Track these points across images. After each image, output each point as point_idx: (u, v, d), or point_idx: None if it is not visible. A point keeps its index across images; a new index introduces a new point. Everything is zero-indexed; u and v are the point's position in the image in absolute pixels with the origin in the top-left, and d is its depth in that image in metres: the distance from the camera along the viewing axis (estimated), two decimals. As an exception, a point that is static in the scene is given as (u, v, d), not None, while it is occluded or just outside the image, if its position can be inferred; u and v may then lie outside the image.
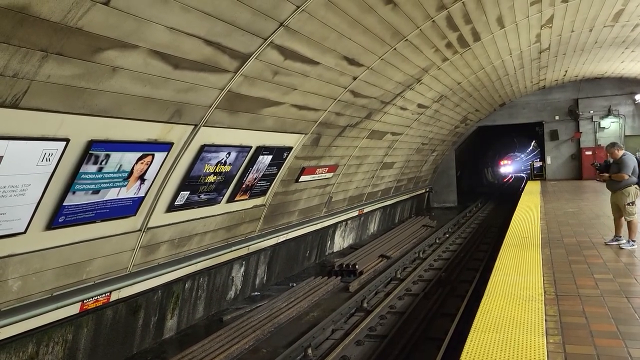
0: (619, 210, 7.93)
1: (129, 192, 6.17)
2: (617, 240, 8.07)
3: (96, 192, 5.62)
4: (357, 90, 9.86)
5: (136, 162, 5.94)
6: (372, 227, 18.83)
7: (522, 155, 71.58)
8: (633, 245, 7.76)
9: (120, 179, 5.89)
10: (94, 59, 4.55)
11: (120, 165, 5.74)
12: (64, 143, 4.87)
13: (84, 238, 5.89)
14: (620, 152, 8.04)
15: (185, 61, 5.49)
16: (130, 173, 5.97)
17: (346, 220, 15.66)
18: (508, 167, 72.66)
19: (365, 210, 17.00)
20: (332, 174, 12.43)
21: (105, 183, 5.69)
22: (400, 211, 22.40)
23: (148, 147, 6.00)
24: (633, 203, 7.82)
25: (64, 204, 5.31)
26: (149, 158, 6.10)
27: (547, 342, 3.95)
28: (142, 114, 5.62)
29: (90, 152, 5.21)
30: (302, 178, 10.84)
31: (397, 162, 17.76)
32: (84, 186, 5.41)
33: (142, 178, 6.23)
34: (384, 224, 19.95)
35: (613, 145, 8.13)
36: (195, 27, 5.16)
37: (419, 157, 20.37)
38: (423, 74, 11.78)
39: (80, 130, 5.01)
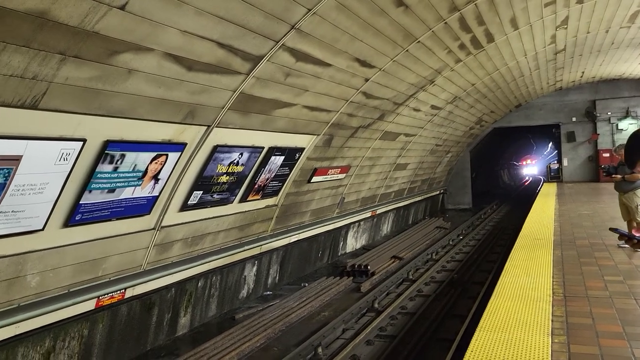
0: (629, 213, 7.88)
1: (144, 191, 6.31)
2: (630, 242, 8.01)
3: (112, 190, 5.77)
4: (369, 91, 9.92)
5: (150, 162, 6.07)
6: (385, 228, 18.85)
7: (543, 155, 64.62)
8: (646, 247, 7.69)
9: (135, 178, 6.03)
10: (110, 61, 4.69)
11: (135, 165, 5.88)
12: (81, 143, 5.01)
13: (99, 236, 6.04)
14: (632, 154, 7.98)
15: (198, 63, 5.61)
16: (145, 172, 6.11)
17: (359, 221, 15.72)
18: (531, 167, 65.79)
19: (378, 212, 17.04)
20: (344, 174, 12.50)
21: (120, 182, 5.83)
22: (414, 212, 22.38)
23: (162, 148, 6.14)
24: (645, 204, 7.81)
25: (80, 202, 5.46)
26: (162, 158, 6.23)
27: (552, 342, 3.98)
28: (156, 115, 5.76)
29: (106, 151, 5.35)
30: (315, 179, 10.93)
31: (410, 164, 17.76)
32: (100, 185, 5.56)
33: (156, 177, 6.37)
34: (397, 225, 19.96)
35: (623, 146, 8.07)
36: (208, 30, 5.27)
37: (433, 158, 20.34)
38: (436, 75, 11.80)
39: (97, 130, 5.15)
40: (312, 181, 10.92)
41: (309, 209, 11.71)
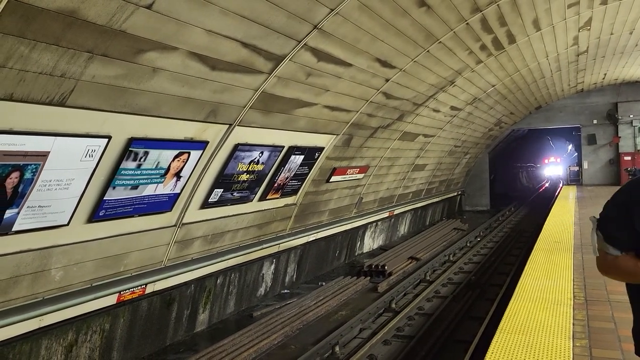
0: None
1: (166, 188, 6.39)
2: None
3: (135, 187, 5.86)
4: (389, 92, 9.91)
5: (173, 160, 6.15)
6: (403, 228, 18.80)
7: (568, 153, 53.46)
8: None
9: (158, 176, 6.11)
10: (136, 60, 4.76)
11: (158, 162, 5.96)
12: (106, 140, 5.10)
13: (122, 232, 6.13)
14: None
15: (222, 62, 5.67)
16: (167, 170, 6.19)
17: (376, 221, 15.71)
18: (554, 167, 55.49)
19: (395, 212, 17.00)
20: (363, 174, 12.50)
21: (143, 179, 5.92)
22: (432, 214, 22.28)
23: (184, 145, 6.21)
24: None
25: (104, 198, 5.55)
26: (185, 156, 6.31)
27: (573, 346, 3.96)
28: (179, 113, 5.83)
29: (130, 149, 5.44)
30: (333, 178, 10.95)
31: (428, 165, 17.69)
32: (123, 182, 5.64)
33: (178, 175, 6.44)
34: (414, 226, 19.89)
35: (650, 150, 7.99)
36: (232, 30, 5.33)
37: (451, 159, 20.23)
38: (456, 76, 11.74)
39: (122, 128, 5.24)
40: (330, 181, 10.94)
41: (327, 208, 11.74)
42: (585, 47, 14.31)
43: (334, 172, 10.80)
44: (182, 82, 5.45)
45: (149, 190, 6.14)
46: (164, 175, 6.21)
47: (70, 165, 4.90)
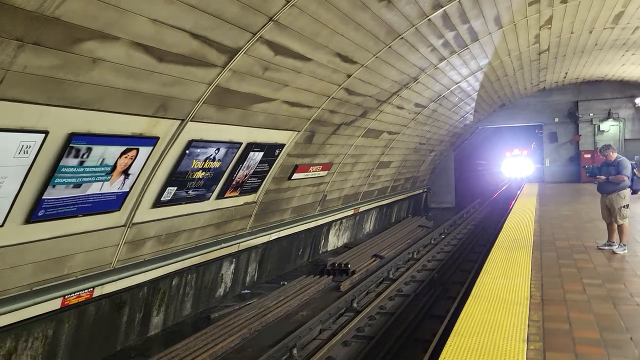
0: (610, 215, 7.82)
1: (113, 186, 6.07)
2: (610, 245, 7.96)
3: (77, 186, 5.53)
4: (351, 88, 9.75)
5: (120, 156, 5.84)
6: (368, 226, 18.74)
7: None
8: (625, 249, 7.66)
9: (103, 173, 5.79)
10: (73, 49, 4.45)
11: (103, 159, 5.65)
12: (43, 135, 4.78)
13: (65, 232, 5.80)
14: (615, 155, 7.94)
15: (170, 54, 5.39)
16: (114, 167, 5.87)
17: (341, 219, 15.57)
18: (520, 163, 39.99)
19: (360, 210, 16.90)
20: (326, 172, 12.33)
21: (87, 177, 5.59)
22: (397, 211, 22.30)
23: (132, 141, 5.91)
24: (628, 206, 7.73)
25: (43, 197, 5.22)
26: (133, 152, 6.00)
27: (527, 349, 3.86)
28: (125, 108, 5.53)
29: (70, 145, 5.11)
30: (295, 176, 10.74)
31: (394, 162, 17.65)
32: (64, 180, 5.31)
33: (126, 172, 6.13)
34: (380, 224, 19.85)
35: (608, 147, 8.03)
36: (180, 19, 5.05)
37: (416, 156, 20.25)
38: (420, 73, 11.66)
39: (60, 122, 4.91)
40: (292, 178, 10.73)
41: (289, 206, 11.53)
42: (546, 45, 14.45)
43: (296, 169, 10.59)
44: (127, 74, 5.15)
45: (94, 188, 5.81)
46: (110, 173, 5.89)
47: (1, 162, 4.56)
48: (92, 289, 6.62)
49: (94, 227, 6.21)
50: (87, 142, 5.31)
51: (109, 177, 5.91)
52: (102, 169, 5.73)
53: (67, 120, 4.97)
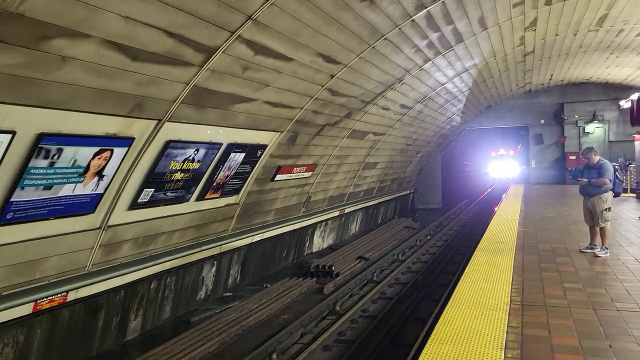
0: (592, 218, 7.79)
1: (86, 188, 5.91)
2: (592, 248, 7.94)
3: (48, 187, 5.37)
4: (335, 88, 9.65)
5: (93, 157, 5.69)
6: (354, 227, 18.65)
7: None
8: (607, 252, 7.63)
9: (76, 175, 5.63)
10: (41, 47, 4.31)
11: (75, 160, 5.49)
12: (10, 136, 4.62)
13: (36, 235, 5.63)
14: (597, 157, 7.92)
15: (144, 53, 5.25)
16: (87, 168, 5.72)
17: (326, 220, 15.46)
18: (506, 164, 39.37)
19: (346, 211, 16.81)
20: (310, 173, 12.21)
21: (58, 178, 5.43)
22: (384, 212, 22.24)
23: (106, 142, 5.75)
24: (610, 209, 7.71)
25: (11, 199, 5.06)
26: (107, 153, 5.85)
27: (504, 357, 3.78)
28: (98, 107, 5.38)
29: (40, 145, 4.96)
30: (278, 177, 10.62)
31: (380, 163, 17.58)
32: (34, 181, 5.15)
33: (100, 174, 5.98)
34: (366, 225, 19.77)
35: (590, 150, 8.00)
36: (154, 17, 4.92)
37: (403, 157, 20.20)
38: (405, 74, 11.59)
39: (29, 122, 4.76)
40: (276, 179, 10.61)
41: (273, 207, 11.40)
42: (531, 47, 14.46)
43: (279, 170, 10.47)
44: (98, 73, 5.01)
45: (67, 190, 5.65)
46: (83, 174, 5.73)
47: (-35, 163, 4.39)
48: (65, 293, 6.46)
49: (67, 229, 6.05)
50: (58, 142, 5.16)
51: (82, 179, 5.75)
52: (75, 170, 5.57)
53: (36, 120, 4.81)
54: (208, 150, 7.72)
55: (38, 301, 6.04)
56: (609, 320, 4.67)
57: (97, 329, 7.28)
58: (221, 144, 7.94)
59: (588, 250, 7.95)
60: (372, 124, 13.56)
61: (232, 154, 8.40)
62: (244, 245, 10.79)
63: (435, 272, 12.48)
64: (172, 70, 5.81)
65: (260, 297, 9.71)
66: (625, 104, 21.91)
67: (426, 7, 8.46)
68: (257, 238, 11.13)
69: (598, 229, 7.81)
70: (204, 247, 9.12)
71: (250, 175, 9.52)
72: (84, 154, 5.54)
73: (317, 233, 15.17)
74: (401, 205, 24.92)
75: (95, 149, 5.65)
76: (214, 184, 8.48)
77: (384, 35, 8.77)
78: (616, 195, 8.03)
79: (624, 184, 13.16)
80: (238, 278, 11.01)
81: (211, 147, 7.74)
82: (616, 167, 8.36)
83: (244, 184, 9.48)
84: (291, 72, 7.91)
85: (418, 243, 16.45)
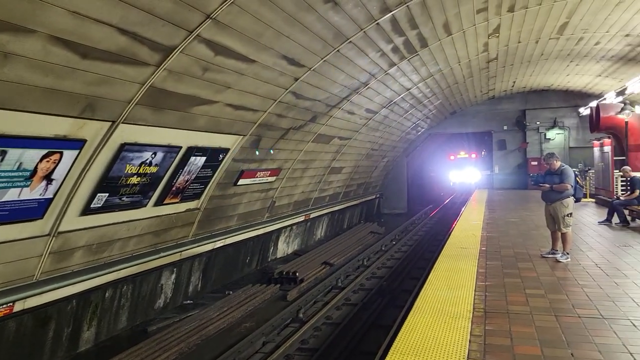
0: (554, 223, 7.85)
1: (33, 193, 5.59)
2: (554, 253, 7.99)
3: (-10, 192, 5.04)
4: (299, 92, 9.50)
5: (40, 160, 5.38)
6: (319, 232, 18.51)
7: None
8: (568, 258, 7.69)
9: (22, 179, 5.32)
10: (-21, 42, 4.02)
11: (21, 163, 5.18)
12: (-55, 136, 4.30)
13: (-23, 243, 5.29)
14: (558, 163, 7.99)
15: (95, 50, 4.98)
16: (34, 172, 5.41)
17: (291, 225, 15.26)
18: (467, 169, 37.54)
19: (312, 216, 16.65)
20: (274, 177, 12.02)
21: (2, 182, 5.11)
22: (349, 217, 22.18)
23: (55, 144, 5.45)
24: (571, 214, 7.77)
25: (-52, 205, 4.72)
26: (56, 156, 5.54)
27: (467, 367, 3.68)
28: (46, 107, 5.08)
29: (-20, 147, 4.64)
30: (241, 181, 10.39)
31: (345, 167, 17.51)
32: (-27, 185, 4.82)
33: (49, 178, 5.67)
34: (331, 230, 19.66)
35: (552, 156, 8.06)
36: (104, 13, 4.67)
37: (368, 162, 20.20)
38: (370, 78, 11.54)
39: (-33, 122, 4.45)
40: (239, 184, 10.38)
41: (235, 212, 11.15)
42: (495, 54, 14.65)
43: (242, 174, 10.25)
44: (45, 71, 4.73)
45: (12, 195, 5.32)
46: (30, 178, 5.41)
47: None
48: (12, 304, 6.09)
49: (12, 236, 5.71)
50: (1, 144, 4.84)
51: (28, 183, 5.43)
52: (20, 173, 5.25)
53: (-25, 120, 4.50)
54: (167, 154, 7.45)
55: (-20, 313, 5.68)
56: (570, 327, 4.64)
57: (46, 341, 6.91)
58: (180, 147, 7.69)
59: (550, 256, 8.00)
60: (337, 128, 13.47)
61: (192, 158, 8.15)
62: (206, 252, 10.51)
63: (400, 277, 12.44)
64: (126, 69, 5.56)
65: (221, 305, 9.45)
66: (584, 111, 22.47)
67: (391, 11, 8.41)
68: (219, 244, 10.86)
69: (560, 234, 7.86)
70: (162, 254, 8.81)
71: (212, 180, 9.28)
72: (31, 156, 5.23)
73: (281, 238, 14.97)
74: (367, 210, 24.93)
75: (43, 152, 5.35)
76: (173, 188, 8.21)
77: (348, 39, 8.68)
78: (577, 200, 8.11)
79: (583, 190, 13.42)
80: (199, 285, 10.71)
81: (170, 151, 7.48)
82: (576, 172, 8.45)
83: (205, 188, 9.22)
84: (254, 74, 7.72)
85: (383, 248, 16.41)
